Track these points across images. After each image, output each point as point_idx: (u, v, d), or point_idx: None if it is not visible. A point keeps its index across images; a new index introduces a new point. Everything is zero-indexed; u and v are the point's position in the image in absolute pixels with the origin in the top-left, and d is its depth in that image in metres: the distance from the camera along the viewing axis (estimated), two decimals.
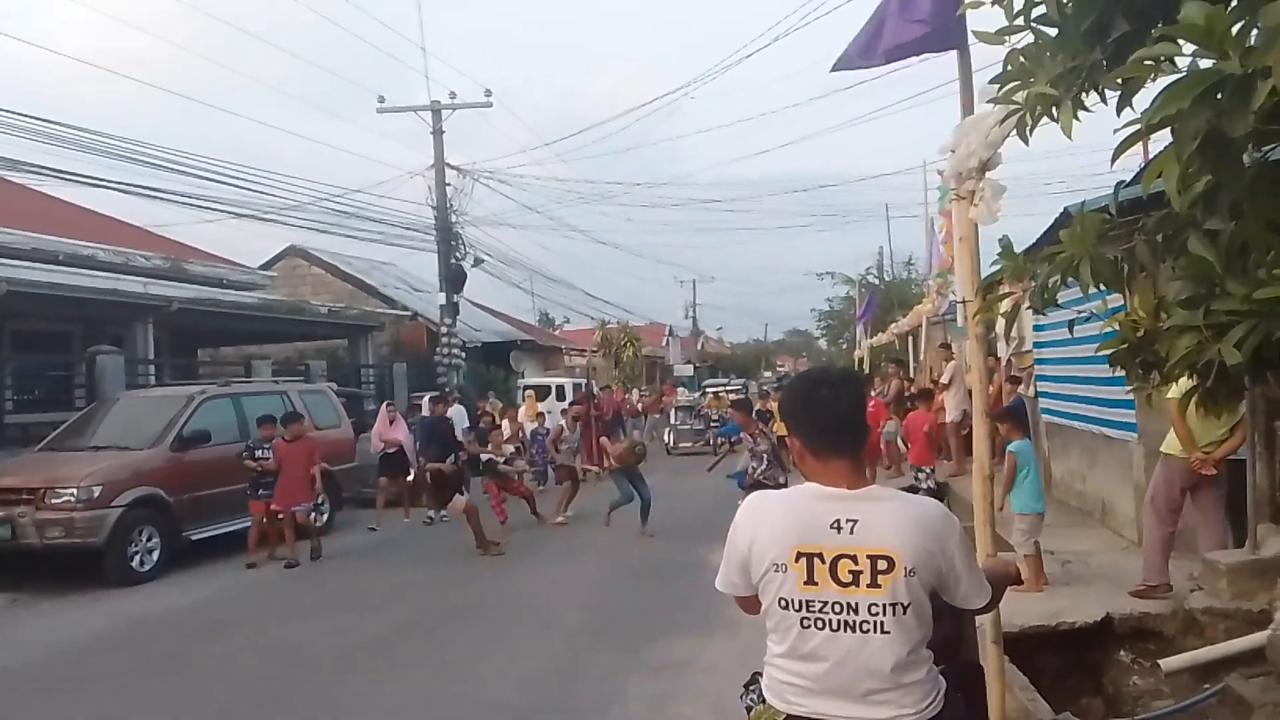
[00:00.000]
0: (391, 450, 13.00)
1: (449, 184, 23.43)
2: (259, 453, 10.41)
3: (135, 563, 9.43)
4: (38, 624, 7.90)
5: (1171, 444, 5.93)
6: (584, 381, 19.53)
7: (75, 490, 9.16)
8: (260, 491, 10.39)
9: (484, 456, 12.04)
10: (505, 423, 14.97)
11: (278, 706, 5.63)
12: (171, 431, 10.20)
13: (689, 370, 50.78)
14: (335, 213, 21.72)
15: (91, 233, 16.83)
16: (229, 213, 19.33)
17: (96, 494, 9.21)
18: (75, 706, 5.77)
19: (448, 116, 23.36)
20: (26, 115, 14.48)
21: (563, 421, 15.31)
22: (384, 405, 13.94)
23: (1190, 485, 5.88)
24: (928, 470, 10.86)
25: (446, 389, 16.60)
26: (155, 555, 9.60)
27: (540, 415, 16.82)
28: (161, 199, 17.35)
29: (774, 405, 16.79)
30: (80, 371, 13.64)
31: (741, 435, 10.08)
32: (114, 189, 16.47)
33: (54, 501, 9.12)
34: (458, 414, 14.95)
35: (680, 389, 36.06)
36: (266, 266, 24.90)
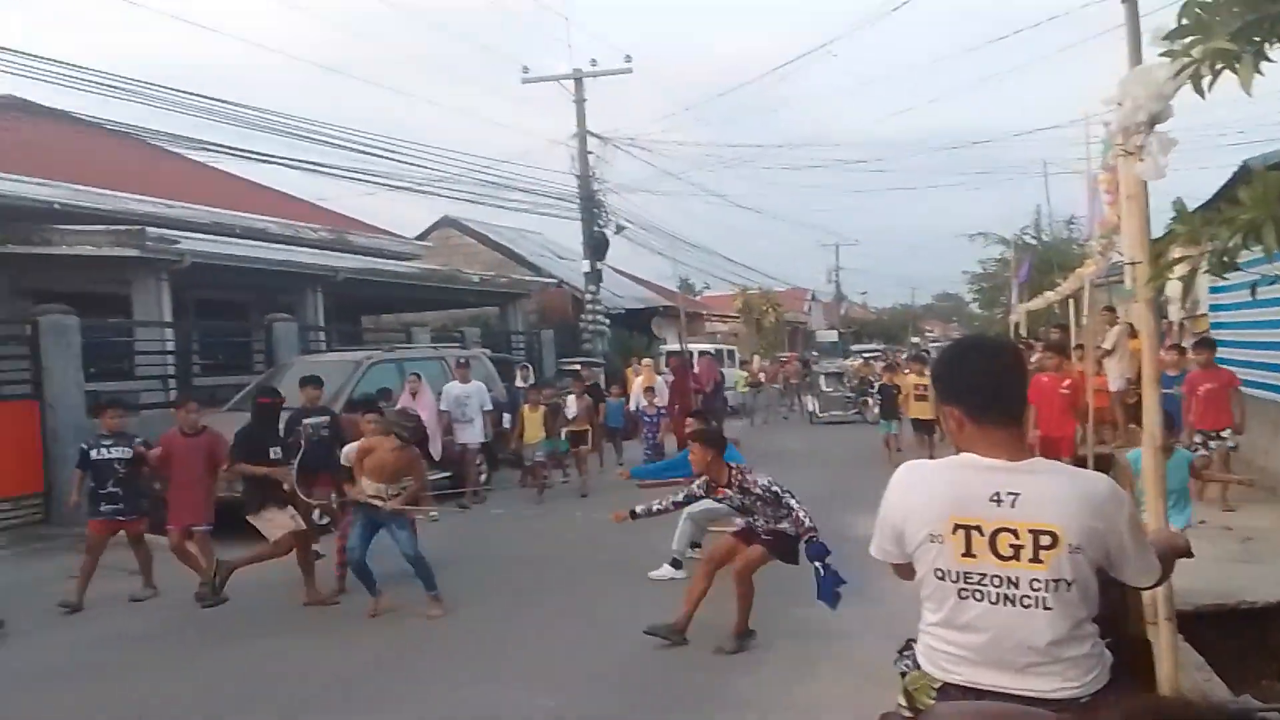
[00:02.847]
0: None
1: (591, 151, 23.80)
2: (102, 451, 7.43)
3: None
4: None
5: None
6: (681, 349, 18.05)
7: None
8: (104, 506, 7.40)
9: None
10: (571, 399, 12.58)
11: (434, 649, 6.02)
12: (343, 395, 10.87)
13: (832, 336, 49.97)
14: (484, 183, 22.51)
15: (263, 207, 17.98)
16: (386, 185, 20.35)
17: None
18: (248, 635, 6.35)
19: (589, 84, 23.67)
20: (203, 95, 15.63)
21: (643, 399, 13.56)
22: (409, 376, 11.59)
23: None
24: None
25: (461, 359, 13.17)
26: None
27: (649, 390, 13.94)
28: (324, 173, 18.42)
29: (904, 380, 14.66)
30: (259, 338, 14.68)
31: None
32: (282, 164, 17.65)
33: None
34: (477, 390, 12.21)
35: (814, 353, 35.35)
36: (422, 237, 26.04)
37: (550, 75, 24.00)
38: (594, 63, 23.73)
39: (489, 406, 12.30)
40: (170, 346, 13.31)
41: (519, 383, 13.63)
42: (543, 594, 7.35)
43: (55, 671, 5.87)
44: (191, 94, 15.20)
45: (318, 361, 12.76)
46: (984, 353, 2.18)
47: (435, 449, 11.04)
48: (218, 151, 16.78)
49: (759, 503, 5.70)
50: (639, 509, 6.14)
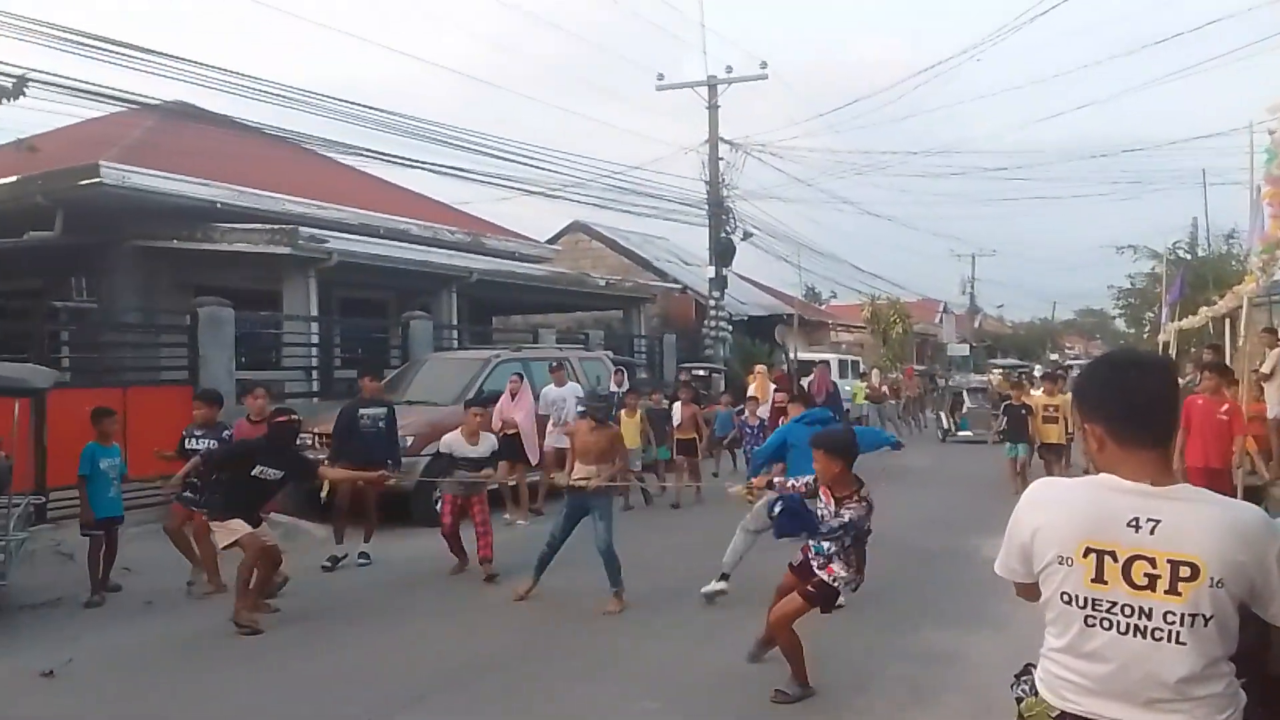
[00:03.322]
0: (510, 432, 10.55)
1: (721, 158, 23.81)
2: (193, 441, 7.74)
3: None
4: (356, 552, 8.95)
5: None
6: (787, 359, 16.62)
7: None
8: (184, 493, 7.66)
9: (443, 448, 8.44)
10: (677, 406, 12.24)
11: (555, 649, 6.16)
12: (471, 390, 11.25)
13: (964, 350, 48.32)
14: (614, 189, 22.86)
15: (406, 209, 18.73)
16: (521, 190, 20.95)
17: (409, 443, 10.15)
18: (375, 620, 6.69)
19: (723, 91, 23.67)
20: (353, 103, 16.45)
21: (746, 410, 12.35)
22: (510, 377, 11.29)
23: None
24: None
25: (554, 362, 12.47)
26: None
27: (751, 399, 12.83)
28: (464, 178, 19.12)
29: (1033, 398, 13.14)
30: (396, 334, 15.34)
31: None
32: (424, 169, 18.43)
33: None
34: (572, 392, 11.60)
35: (938, 366, 33.93)
36: (552, 241, 26.61)
37: (685, 82, 24.15)
38: (729, 70, 23.76)
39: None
40: (315, 340, 14.05)
41: (612, 387, 12.86)
42: (649, 599, 7.34)
43: (190, 649, 6.21)
44: (342, 100, 16.03)
45: (450, 358, 13.28)
46: (1134, 369, 2.07)
47: (532, 452, 11.03)
48: (366, 156, 17.66)
49: (839, 518, 5.21)
50: (774, 480, 6.29)
